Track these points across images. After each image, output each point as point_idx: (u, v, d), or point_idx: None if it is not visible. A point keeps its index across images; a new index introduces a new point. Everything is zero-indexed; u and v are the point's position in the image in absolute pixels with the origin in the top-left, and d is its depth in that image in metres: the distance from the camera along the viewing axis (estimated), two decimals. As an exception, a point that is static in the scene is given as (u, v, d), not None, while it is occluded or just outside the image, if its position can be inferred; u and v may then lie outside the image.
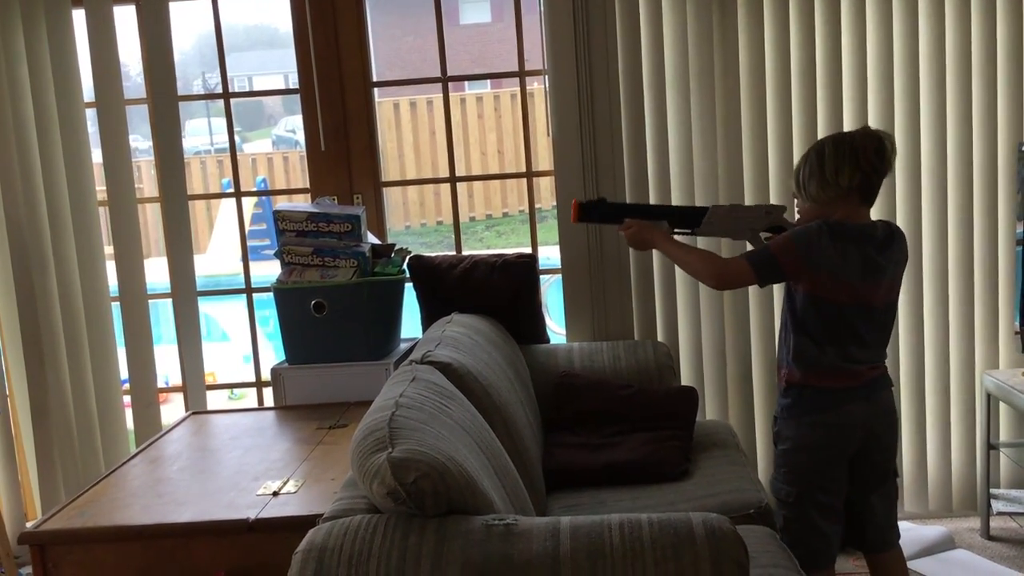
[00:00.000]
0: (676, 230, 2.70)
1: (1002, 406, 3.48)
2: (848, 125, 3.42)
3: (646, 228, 2.66)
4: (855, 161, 2.38)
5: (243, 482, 2.48)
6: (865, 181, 2.40)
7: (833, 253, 2.36)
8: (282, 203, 3.53)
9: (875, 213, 3.44)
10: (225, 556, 2.21)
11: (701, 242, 3.26)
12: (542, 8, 3.46)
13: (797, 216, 2.59)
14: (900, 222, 3.48)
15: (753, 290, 3.49)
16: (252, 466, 2.61)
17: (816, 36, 3.42)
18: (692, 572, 1.53)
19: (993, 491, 3.47)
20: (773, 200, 3.45)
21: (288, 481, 2.45)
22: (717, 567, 1.53)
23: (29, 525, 2.42)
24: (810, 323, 2.42)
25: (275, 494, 2.37)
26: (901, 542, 3.29)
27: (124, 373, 3.77)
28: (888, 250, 2.43)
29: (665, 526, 1.59)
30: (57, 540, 2.24)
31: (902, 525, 3.44)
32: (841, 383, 2.42)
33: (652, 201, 3.51)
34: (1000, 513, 3.43)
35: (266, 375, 3.62)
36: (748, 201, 3.48)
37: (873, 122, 3.43)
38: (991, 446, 3.41)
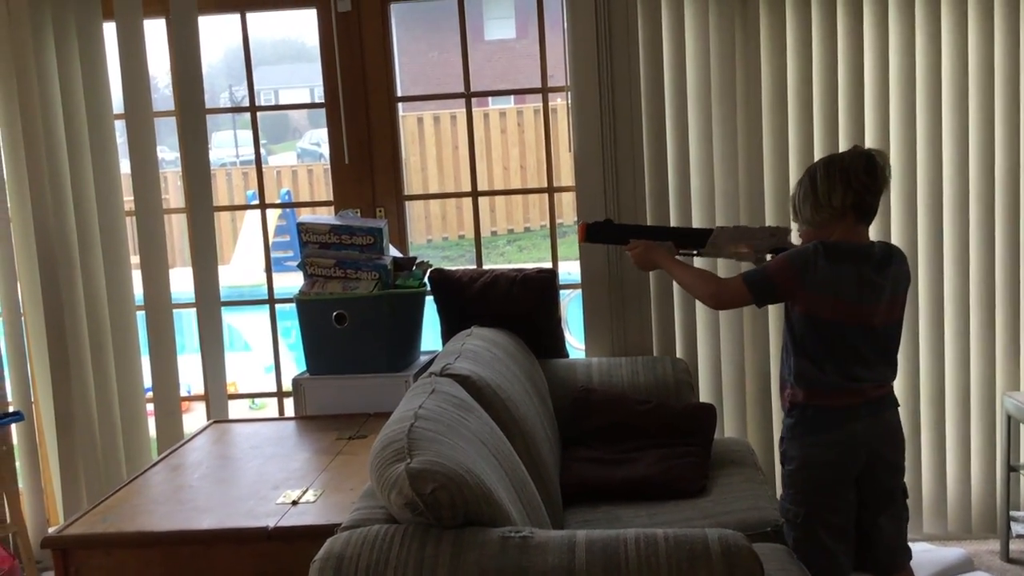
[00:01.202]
0: (681, 251, 2.74)
1: (1023, 428, 3.46)
2: (869, 139, 3.43)
3: (651, 248, 2.73)
4: (846, 181, 2.40)
5: (263, 491, 2.50)
6: (858, 200, 2.41)
7: (828, 273, 2.37)
8: (305, 215, 3.57)
9: (896, 232, 3.46)
10: (244, 564, 2.24)
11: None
12: (566, 25, 3.49)
13: (799, 241, 2.60)
14: (921, 241, 3.48)
15: (773, 307, 3.49)
16: (272, 475, 2.64)
17: (838, 52, 3.43)
18: (707, 588, 1.54)
19: (1013, 513, 3.45)
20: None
21: (307, 490, 2.47)
22: (732, 583, 1.54)
23: (51, 531, 2.45)
24: (809, 343, 2.43)
25: (294, 503, 2.39)
26: (920, 563, 3.28)
27: (147, 381, 3.81)
28: (886, 269, 2.43)
29: (681, 542, 1.60)
30: (79, 545, 2.27)
31: (921, 546, 3.44)
32: (844, 402, 2.41)
33: (672, 217, 3.53)
34: (1020, 536, 3.41)
35: (287, 385, 3.65)
36: (768, 220, 3.49)
37: (894, 137, 3.44)
38: (1011, 468, 3.38)
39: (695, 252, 2.78)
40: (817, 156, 3.42)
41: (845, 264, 2.39)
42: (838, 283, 2.38)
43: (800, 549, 2.42)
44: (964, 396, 3.53)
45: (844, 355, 2.41)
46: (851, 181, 2.40)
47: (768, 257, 2.68)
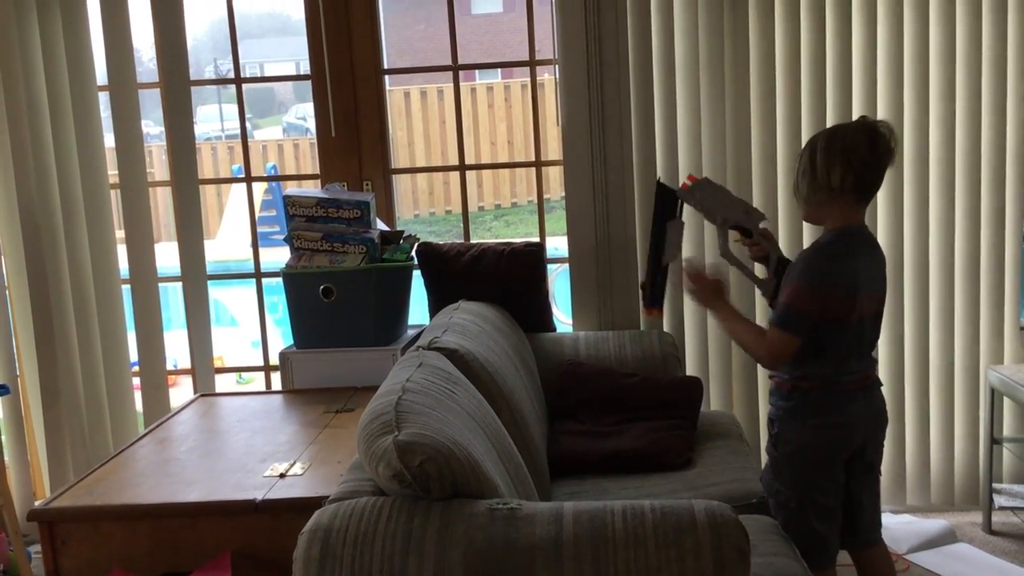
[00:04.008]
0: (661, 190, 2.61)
1: (1006, 401, 3.49)
2: (856, 111, 3.42)
3: (710, 290, 2.55)
4: (846, 159, 2.28)
5: (250, 463, 2.50)
6: (858, 180, 2.30)
7: (848, 274, 2.31)
8: (292, 188, 3.55)
9: (882, 205, 3.47)
10: (232, 536, 2.24)
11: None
12: (554, -2, 3.47)
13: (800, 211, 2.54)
14: (907, 217, 3.49)
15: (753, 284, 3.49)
16: (259, 448, 2.64)
17: (827, 26, 3.42)
18: (693, 558, 1.54)
19: (995, 486, 3.48)
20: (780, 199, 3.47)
21: (295, 463, 2.47)
22: (718, 553, 1.54)
23: (38, 503, 2.45)
24: (821, 345, 2.35)
25: (282, 476, 2.39)
26: (903, 535, 3.32)
27: (133, 356, 3.80)
28: (878, 253, 2.43)
29: (668, 513, 1.61)
30: (66, 517, 2.27)
31: (904, 518, 3.47)
32: (846, 388, 2.39)
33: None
34: (1002, 508, 3.44)
35: (274, 359, 3.65)
36: (756, 193, 3.49)
37: (882, 114, 3.43)
38: (994, 441, 3.41)
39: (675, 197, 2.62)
40: (805, 129, 3.43)
41: (857, 258, 2.33)
42: (856, 281, 2.32)
43: (790, 531, 2.38)
44: (948, 370, 3.55)
45: (852, 350, 2.37)
46: (851, 160, 2.28)
47: (729, 233, 2.59)
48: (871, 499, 2.53)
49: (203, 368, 3.78)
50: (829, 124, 3.40)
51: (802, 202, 2.42)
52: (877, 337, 2.47)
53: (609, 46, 3.44)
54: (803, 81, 3.45)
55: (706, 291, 2.55)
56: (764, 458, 3.50)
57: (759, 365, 3.56)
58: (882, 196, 3.47)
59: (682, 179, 3.50)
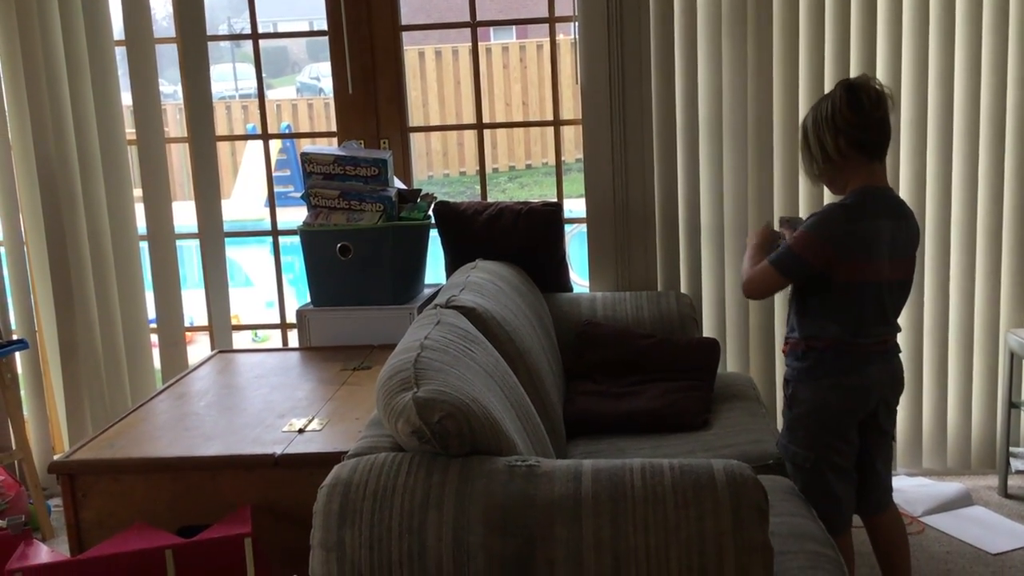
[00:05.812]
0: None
1: (1025, 365, 3.48)
2: (880, 71, 3.38)
3: (761, 231, 2.62)
4: (832, 125, 2.30)
5: (269, 419, 2.52)
6: (854, 140, 2.30)
7: (862, 234, 2.29)
8: (308, 146, 3.53)
9: (904, 169, 3.43)
10: (251, 489, 2.26)
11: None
12: (573, -47, 3.42)
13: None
14: (929, 180, 3.45)
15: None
16: (278, 404, 2.65)
17: (851, -13, 3.37)
18: (712, 517, 1.54)
19: (1012, 449, 3.47)
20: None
21: (313, 419, 2.48)
22: (737, 513, 1.55)
23: (57, 457, 2.47)
24: (832, 308, 2.35)
25: (300, 431, 2.40)
26: (918, 498, 3.33)
27: (151, 313, 3.81)
28: (909, 221, 2.40)
29: (687, 471, 1.61)
30: (87, 470, 2.29)
31: (919, 481, 3.47)
32: (862, 351, 2.38)
33: (679, 149, 3.49)
34: (1018, 472, 3.43)
35: (291, 318, 3.65)
36: (776, 153, 3.46)
37: (905, 74, 3.39)
38: (1012, 404, 3.40)
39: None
40: (827, 88, 3.38)
41: (878, 220, 2.31)
42: (872, 242, 2.30)
43: (808, 493, 2.37)
44: (968, 333, 3.53)
45: (874, 313, 2.35)
46: (837, 123, 2.30)
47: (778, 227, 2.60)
48: (884, 465, 2.53)
49: (220, 325, 3.79)
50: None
51: (817, 180, 2.45)
52: (902, 304, 2.45)
53: (630, 2, 3.40)
54: (827, 40, 3.40)
55: (757, 232, 2.61)
56: (781, 420, 3.52)
57: (775, 336, 3.57)
58: (904, 158, 3.44)
59: (703, 138, 3.49)
